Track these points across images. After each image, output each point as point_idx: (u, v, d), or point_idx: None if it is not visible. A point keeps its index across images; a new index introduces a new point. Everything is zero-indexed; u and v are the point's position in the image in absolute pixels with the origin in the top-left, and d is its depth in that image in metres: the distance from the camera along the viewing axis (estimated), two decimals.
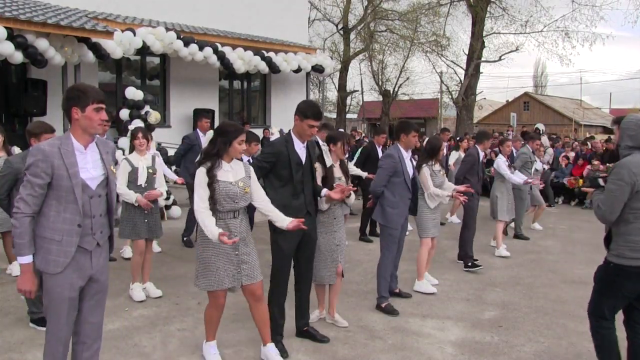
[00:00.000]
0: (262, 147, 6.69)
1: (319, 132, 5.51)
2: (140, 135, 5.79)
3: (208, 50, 12.85)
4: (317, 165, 4.55)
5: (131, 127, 10.31)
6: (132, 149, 6.01)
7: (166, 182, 6.53)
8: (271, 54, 14.55)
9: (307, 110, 4.25)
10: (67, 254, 3.00)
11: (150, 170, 5.77)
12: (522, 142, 9.89)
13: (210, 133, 6.84)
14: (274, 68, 14.62)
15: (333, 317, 4.99)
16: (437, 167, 6.10)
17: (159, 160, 6.11)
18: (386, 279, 5.45)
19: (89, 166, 3.05)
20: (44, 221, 2.99)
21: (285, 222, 3.91)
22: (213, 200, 3.72)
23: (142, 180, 5.69)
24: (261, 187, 3.99)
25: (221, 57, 13.19)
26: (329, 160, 4.89)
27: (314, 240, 4.52)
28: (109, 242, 3.28)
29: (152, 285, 5.62)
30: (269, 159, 4.28)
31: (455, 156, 11.01)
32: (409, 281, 6.23)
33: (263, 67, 14.31)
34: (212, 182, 3.72)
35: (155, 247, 7.14)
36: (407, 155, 5.53)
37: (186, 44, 12.39)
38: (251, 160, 6.43)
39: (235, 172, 3.84)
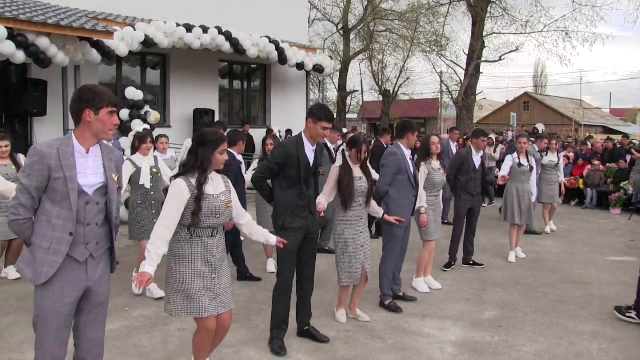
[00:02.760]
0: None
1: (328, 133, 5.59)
2: (149, 140, 5.93)
3: (213, 31, 12.54)
4: (321, 169, 4.61)
5: (134, 128, 10.34)
6: (133, 150, 6.03)
7: None
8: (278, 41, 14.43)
9: (320, 113, 4.34)
10: (53, 264, 2.78)
11: (155, 170, 5.83)
12: (531, 142, 9.91)
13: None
14: (281, 54, 14.34)
15: (355, 312, 5.14)
16: (435, 164, 6.02)
17: (161, 159, 6.16)
18: (389, 277, 5.48)
19: (88, 171, 2.88)
20: (33, 225, 2.83)
21: (272, 239, 3.80)
22: (197, 217, 3.33)
23: (145, 180, 5.73)
24: (241, 207, 3.68)
25: (228, 37, 12.89)
26: (339, 161, 5.01)
27: (315, 239, 4.62)
28: (109, 254, 3.07)
29: (156, 286, 5.62)
30: (278, 160, 4.33)
31: None
32: (410, 281, 6.24)
33: (271, 49, 13.88)
34: (200, 198, 3.33)
35: None
36: (408, 153, 5.55)
37: (189, 30, 12.24)
38: (241, 160, 6.51)
39: (215, 184, 3.47)
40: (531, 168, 7.59)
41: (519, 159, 7.54)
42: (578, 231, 10.00)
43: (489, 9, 25.00)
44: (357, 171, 4.85)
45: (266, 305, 5.42)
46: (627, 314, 5.19)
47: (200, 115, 14.00)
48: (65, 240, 2.80)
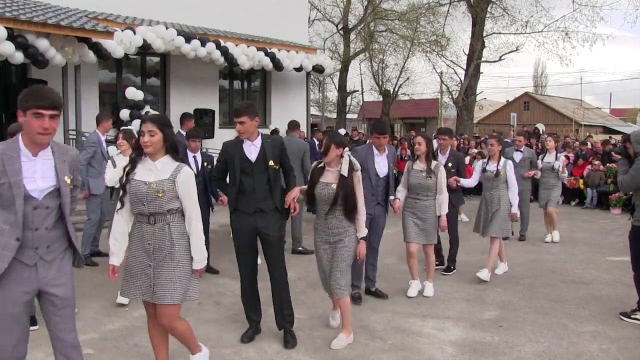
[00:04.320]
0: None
1: (317, 134, 5.65)
2: (120, 136, 6.03)
3: (211, 45, 12.74)
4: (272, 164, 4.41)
5: (130, 127, 10.35)
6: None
7: None
8: (274, 50, 14.53)
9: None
10: None
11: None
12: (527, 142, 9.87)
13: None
14: (277, 64, 14.53)
15: (334, 313, 4.99)
16: (419, 166, 5.78)
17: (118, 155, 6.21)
18: (355, 270, 5.36)
19: (37, 175, 2.78)
20: None
21: (193, 257, 3.51)
22: (121, 200, 3.45)
23: (110, 179, 5.82)
24: (192, 205, 3.46)
25: (224, 52, 13.09)
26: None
27: (273, 239, 4.46)
28: (70, 253, 3.02)
29: None
30: (220, 158, 4.50)
31: None
32: (410, 280, 6.24)
33: (267, 62, 14.19)
34: (124, 183, 3.42)
35: None
36: (377, 153, 5.60)
37: (187, 40, 12.34)
38: (197, 158, 6.58)
39: (159, 172, 3.39)
40: (497, 173, 6.61)
41: (487, 163, 6.83)
42: (578, 231, 10.00)
43: (489, 9, 24.96)
44: (326, 176, 4.49)
45: (266, 306, 5.42)
46: (633, 316, 5.19)
47: (201, 116, 14.00)
48: (11, 245, 2.73)
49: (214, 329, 4.89)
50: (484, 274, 6.43)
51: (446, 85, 30.06)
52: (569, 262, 7.60)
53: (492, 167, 6.71)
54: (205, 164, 6.70)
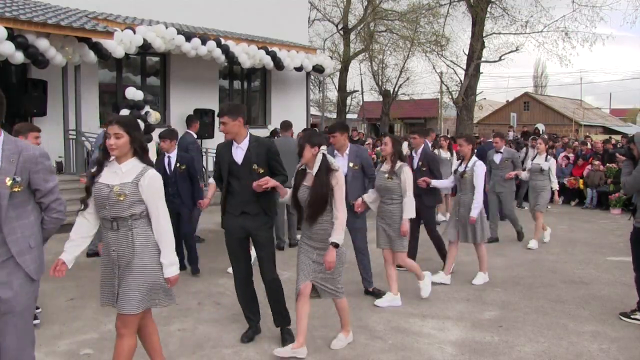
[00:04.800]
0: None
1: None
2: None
3: (211, 44, 12.71)
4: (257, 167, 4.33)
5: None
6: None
7: None
8: (275, 49, 14.53)
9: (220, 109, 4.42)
10: None
11: None
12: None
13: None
14: (278, 63, 14.52)
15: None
16: (384, 167, 5.53)
17: None
18: None
19: None
20: None
21: (162, 263, 3.34)
22: (84, 203, 3.34)
23: None
24: (159, 209, 3.31)
25: (225, 50, 13.07)
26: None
27: (260, 239, 4.44)
28: (35, 260, 2.92)
29: None
30: (215, 160, 4.55)
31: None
32: (409, 280, 6.24)
33: (267, 61, 14.17)
34: (90, 184, 3.31)
35: None
36: (337, 153, 5.69)
37: (188, 39, 12.32)
38: (172, 159, 6.63)
39: (124, 175, 3.27)
40: (462, 174, 6.38)
41: (460, 164, 6.61)
42: (578, 231, 10.01)
43: (488, 9, 24.96)
44: (308, 178, 4.24)
45: (267, 306, 5.42)
46: (633, 316, 5.19)
47: (201, 116, 13.99)
48: None
49: (214, 329, 4.90)
50: (480, 279, 6.44)
51: (446, 86, 30.08)
52: (569, 262, 7.60)
53: (462, 167, 6.46)
54: (179, 164, 6.65)
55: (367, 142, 14.82)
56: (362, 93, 34.69)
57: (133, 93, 11.33)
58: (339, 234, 4.13)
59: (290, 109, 16.53)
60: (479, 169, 6.28)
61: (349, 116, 36.62)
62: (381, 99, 32.51)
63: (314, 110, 27.96)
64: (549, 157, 8.64)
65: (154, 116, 11.24)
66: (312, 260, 4.25)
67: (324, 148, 4.17)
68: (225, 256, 6.85)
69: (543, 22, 25.29)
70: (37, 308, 4.68)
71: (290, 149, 8.01)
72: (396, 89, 31.43)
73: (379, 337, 4.75)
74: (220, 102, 15.54)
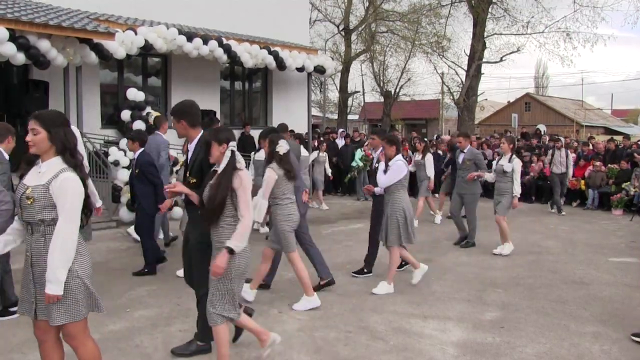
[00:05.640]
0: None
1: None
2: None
3: (213, 43, 12.67)
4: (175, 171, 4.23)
5: (134, 127, 10.38)
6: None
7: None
8: (277, 49, 14.52)
9: None
10: None
11: None
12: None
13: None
14: (280, 63, 14.50)
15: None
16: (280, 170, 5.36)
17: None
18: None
19: None
20: None
21: (46, 278, 2.97)
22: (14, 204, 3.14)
23: None
24: (62, 215, 2.99)
25: (227, 50, 13.04)
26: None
27: (191, 245, 4.19)
28: None
29: None
30: None
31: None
32: (411, 281, 6.24)
33: (270, 61, 14.12)
34: (19, 184, 3.12)
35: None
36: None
37: (189, 39, 12.33)
38: (134, 160, 6.71)
39: (41, 176, 3.04)
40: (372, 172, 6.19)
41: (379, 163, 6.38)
42: (579, 232, 10.00)
43: (490, 9, 24.96)
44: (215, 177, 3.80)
45: (268, 306, 5.43)
46: None
47: (202, 116, 13.97)
48: None
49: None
50: (382, 289, 6.01)
51: (447, 86, 30.09)
52: (570, 262, 7.59)
53: (381, 166, 6.19)
54: (136, 169, 6.82)
55: (366, 144, 14.79)
56: (363, 94, 34.71)
57: (134, 94, 11.34)
58: (239, 240, 3.59)
59: (291, 110, 16.52)
60: (394, 166, 6.00)
61: (350, 117, 36.63)
62: (382, 100, 32.49)
63: (315, 111, 27.96)
64: (513, 158, 7.98)
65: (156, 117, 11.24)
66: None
67: (232, 144, 3.74)
68: None
69: (544, 23, 25.31)
70: None
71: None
72: (397, 90, 31.43)
73: (380, 337, 4.75)
74: (221, 103, 15.56)
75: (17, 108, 10.91)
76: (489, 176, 8.27)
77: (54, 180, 2.98)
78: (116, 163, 10.03)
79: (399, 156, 6.08)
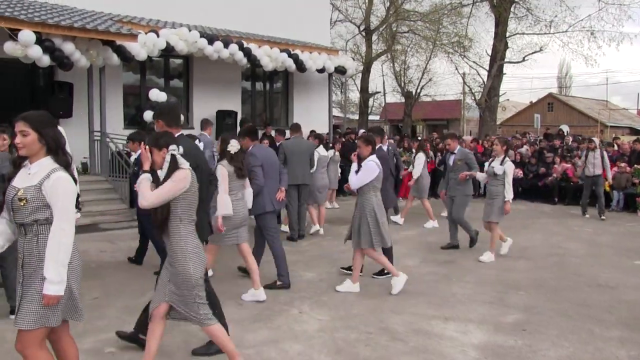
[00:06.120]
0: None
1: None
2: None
3: (234, 47, 12.81)
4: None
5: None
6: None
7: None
8: (297, 52, 14.57)
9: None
10: None
11: None
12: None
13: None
14: (300, 65, 14.56)
15: None
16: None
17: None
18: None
19: None
20: None
21: (45, 277, 2.92)
22: (0, 207, 3.10)
23: None
24: (58, 214, 2.97)
25: (247, 53, 13.16)
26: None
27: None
28: None
29: None
30: None
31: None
32: (431, 282, 6.20)
33: (290, 64, 14.23)
34: (8, 186, 3.07)
35: None
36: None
37: (210, 42, 12.43)
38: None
39: (31, 177, 3.01)
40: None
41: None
42: (604, 234, 9.83)
43: (512, 9, 24.70)
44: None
45: (288, 306, 5.44)
46: None
47: (223, 117, 14.10)
48: None
49: (236, 329, 4.91)
50: (345, 287, 6.02)
51: (469, 87, 29.88)
52: (594, 265, 7.47)
53: (354, 166, 6.03)
54: (135, 167, 6.83)
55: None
56: (384, 94, 34.71)
57: (156, 95, 11.47)
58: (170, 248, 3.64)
59: (312, 111, 16.55)
60: (365, 166, 5.87)
61: (371, 117, 36.57)
62: (403, 100, 32.40)
63: (336, 112, 27.96)
64: (506, 160, 7.60)
65: None
66: (167, 279, 3.71)
67: (172, 148, 3.59)
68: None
69: (568, 22, 24.96)
70: None
71: (301, 149, 8.55)
72: (418, 90, 31.31)
73: (400, 339, 4.72)
74: (242, 104, 15.64)
75: (42, 109, 11.09)
76: (480, 176, 8.13)
77: (46, 180, 2.97)
78: None
79: (373, 157, 5.93)
